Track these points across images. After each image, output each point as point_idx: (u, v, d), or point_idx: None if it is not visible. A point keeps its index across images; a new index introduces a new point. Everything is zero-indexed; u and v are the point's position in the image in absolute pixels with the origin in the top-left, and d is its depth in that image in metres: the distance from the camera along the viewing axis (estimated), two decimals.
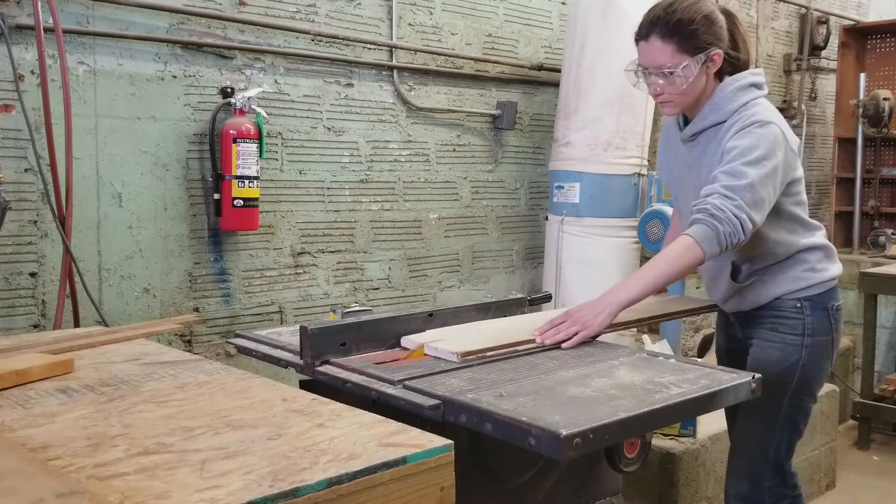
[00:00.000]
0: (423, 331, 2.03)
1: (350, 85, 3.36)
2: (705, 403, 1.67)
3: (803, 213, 2.17)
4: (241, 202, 2.89)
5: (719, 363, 2.32)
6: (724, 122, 2.07)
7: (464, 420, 1.50)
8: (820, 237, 2.19)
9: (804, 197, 2.18)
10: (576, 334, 1.92)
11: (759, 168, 1.95)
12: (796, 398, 2.13)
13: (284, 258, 3.21)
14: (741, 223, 1.92)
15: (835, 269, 2.19)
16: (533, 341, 1.92)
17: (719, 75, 2.11)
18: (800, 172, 2.14)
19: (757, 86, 2.11)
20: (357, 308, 2.12)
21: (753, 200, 1.94)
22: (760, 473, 2.17)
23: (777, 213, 2.08)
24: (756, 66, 2.18)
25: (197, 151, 2.95)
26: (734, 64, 2.12)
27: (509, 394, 1.58)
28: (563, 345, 1.91)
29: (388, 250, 3.55)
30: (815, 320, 2.13)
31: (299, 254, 3.26)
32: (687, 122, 2.20)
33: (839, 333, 2.20)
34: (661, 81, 2.07)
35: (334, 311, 2.16)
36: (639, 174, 3.71)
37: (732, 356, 2.31)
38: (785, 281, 2.13)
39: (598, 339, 2.08)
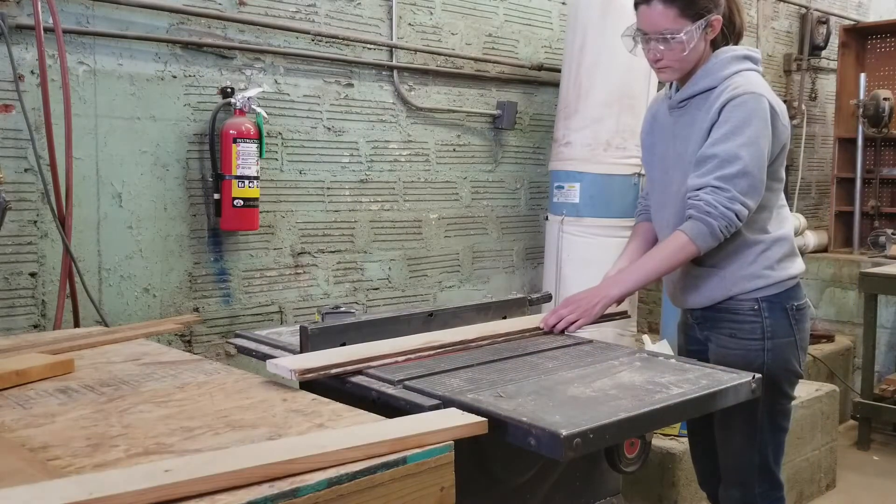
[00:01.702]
0: (424, 332, 2.03)
1: (350, 85, 3.36)
2: (706, 403, 1.67)
3: (775, 196, 2.11)
4: (241, 202, 2.89)
5: None
6: (715, 87, 2.04)
7: None
8: (788, 229, 2.14)
9: (782, 174, 2.12)
10: (575, 322, 2.07)
11: (752, 148, 1.95)
12: (769, 401, 2.07)
13: (284, 258, 3.21)
14: (735, 214, 1.94)
15: (795, 267, 2.13)
16: (392, 357, 1.81)
17: (713, 44, 2.10)
18: (784, 161, 2.10)
19: (752, 59, 2.09)
20: (343, 310, 2.12)
21: (748, 186, 1.95)
22: (751, 480, 2.13)
23: None
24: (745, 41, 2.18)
25: (197, 151, 2.95)
26: (727, 32, 2.10)
27: (509, 394, 1.58)
28: (568, 329, 2.08)
29: (388, 250, 3.55)
30: (773, 322, 2.07)
31: (299, 254, 3.26)
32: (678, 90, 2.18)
33: (805, 332, 2.14)
34: (661, 47, 2.05)
35: (319, 313, 2.17)
36: (639, 174, 3.71)
37: (695, 358, 2.20)
38: (743, 279, 2.07)
39: (599, 339, 2.09)
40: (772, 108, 2.01)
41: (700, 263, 2.11)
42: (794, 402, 3.39)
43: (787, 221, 2.16)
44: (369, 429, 1.32)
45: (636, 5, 2.08)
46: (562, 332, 2.09)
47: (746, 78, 2.03)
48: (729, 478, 2.18)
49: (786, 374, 2.10)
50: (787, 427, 2.17)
